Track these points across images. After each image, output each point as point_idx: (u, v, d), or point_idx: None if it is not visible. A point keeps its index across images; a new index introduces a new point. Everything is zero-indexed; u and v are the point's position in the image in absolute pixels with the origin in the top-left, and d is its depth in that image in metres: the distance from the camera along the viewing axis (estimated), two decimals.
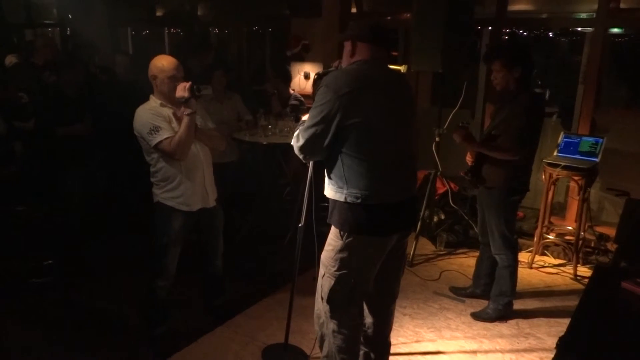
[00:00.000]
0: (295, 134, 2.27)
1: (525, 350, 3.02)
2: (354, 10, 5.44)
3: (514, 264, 3.24)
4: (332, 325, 2.34)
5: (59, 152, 4.00)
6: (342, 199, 2.18)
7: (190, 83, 2.68)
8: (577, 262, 3.96)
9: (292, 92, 5.07)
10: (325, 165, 2.26)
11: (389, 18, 5.58)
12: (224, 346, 3.01)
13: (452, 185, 4.68)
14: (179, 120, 2.75)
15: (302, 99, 4.86)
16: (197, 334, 3.10)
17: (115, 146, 4.12)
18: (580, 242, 3.98)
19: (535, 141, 3.14)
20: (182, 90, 2.67)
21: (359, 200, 2.15)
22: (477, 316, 3.35)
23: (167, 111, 2.78)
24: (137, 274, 3.34)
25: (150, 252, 2.96)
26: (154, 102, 2.80)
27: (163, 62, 2.76)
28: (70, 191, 4.09)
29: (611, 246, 4.05)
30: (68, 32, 7.45)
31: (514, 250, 3.25)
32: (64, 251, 3.93)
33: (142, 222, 3.41)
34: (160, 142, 2.68)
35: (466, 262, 4.19)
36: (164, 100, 2.79)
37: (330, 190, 2.25)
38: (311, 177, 2.58)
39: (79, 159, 4.09)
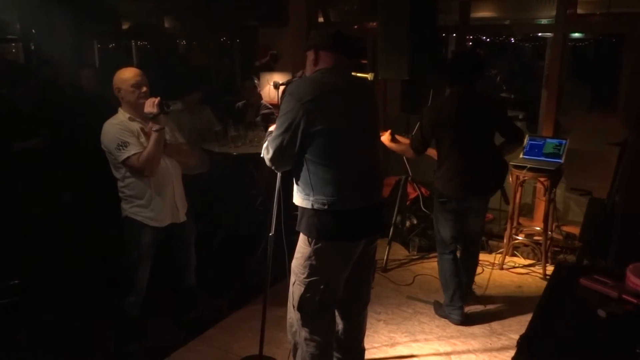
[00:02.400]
0: (265, 145, 2.29)
1: (497, 350, 3.07)
2: (321, 20, 5.49)
3: (444, 265, 3.34)
4: (304, 333, 2.35)
5: (17, 168, 3.91)
6: (309, 206, 2.20)
7: (158, 99, 2.64)
8: (546, 262, 4.04)
9: (262, 102, 5.09)
10: (292, 172, 2.28)
11: (355, 27, 5.65)
12: None
13: (423, 190, 4.75)
14: (147, 135, 2.72)
15: (272, 108, 4.88)
16: (170, 349, 3.06)
17: (82, 161, 4.05)
18: (548, 241, 4.07)
19: (444, 145, 3.19)
20: (150, 106, 2.63)
21: (325, 207, 2.16)
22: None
23: (136, 125, 2.75)
24: (107, 291, 3.28)
25: (119, 268, 2.91)
26: (122, 115, 2.76)
27: (125, 73, 2.74)
28: (31, 206, 4.01)
29: (577, 244, 4.16)
30: (32, 47, 7.31)
31: (448, 251, 3.32)
32: (30, 270, 3.84)
33: (111, 239, 3.35)
34: (128, 157, 2.64)
35: None
36: (133, 113, 2.76)
37: (298, 197, 2.27)
38: (279, 185, 2.59)
39: (39, 174, 4.00)
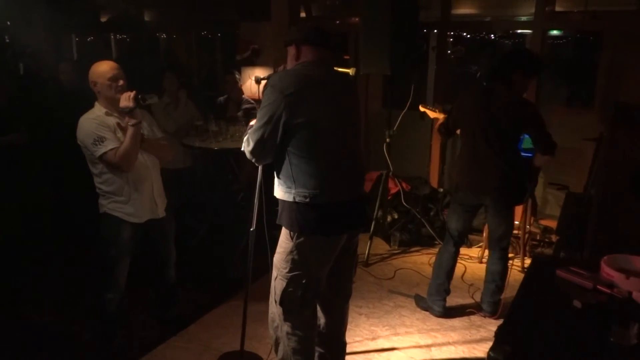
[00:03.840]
0: (245, 138, 2.27)
1: (477, 342, 3.12)
2: (303, 14, 5.48)
3: (442, 255, 3.38)
4: (286, 327, 2.35)
5: None
6: (290, 199, 2.19)
7: (134, 92, 2.60)
8: (524, 255, 4.11)
9: (243, 96, 5.06)
10: (274, 165, 2.27)
11: (337, 22, 5.65)
12: (178, 357, 2.96)
13: (404, 185, 4.78)
14: (124, 130, 2.68)
15: (254, 103, 4.86)
16: (150, 346, 3.03)
17: (60, 156, 3.99)
18: (527, 235, 4.13)
19: (463, 135, 3.25)
20: (126, 99, 2.58)
21: (307, 200, 2.16)
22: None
23: (112, 120, 2.70)
24: (85, 288, 3.25)
25: (98, 263, 2.88)
26: (98, 110, 2.72)
27: (101, 66, 2.69)
28: (9, 203, 3.93)
29: (554, 238, 4.23)
30: (7, 40, 7.16)
31: (451, 243, 3.34)
32: (7, 266, 3.77)
33: (88, 234, 3.31)
34: (105, 153, 2.60)
35: (420, 260, 4.29)
36: (109, 107, 2.71)
37: (279, 191, 2.26)
38: (261, 180, 2.58)
39: (16, 170, 3.92)
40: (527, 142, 4.14)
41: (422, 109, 3.94)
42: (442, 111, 3.80)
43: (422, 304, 3.49)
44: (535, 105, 3.08)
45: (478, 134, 3.09)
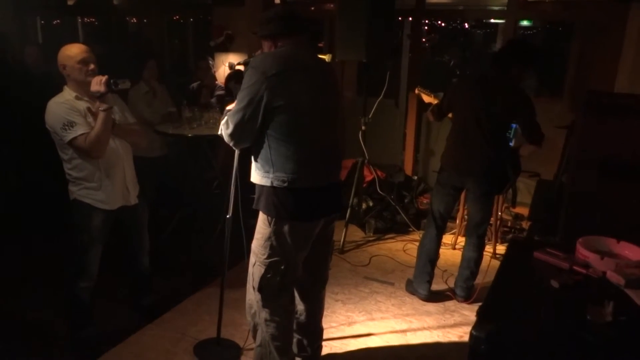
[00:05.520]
0: (224, 121, 2.23)
1: (451, 327, 3.17)
2: (277, 0, 5.41)
3: (424, 239, 3.42)
4: (264, 314, 2.33)
5: None
6: (268, 184, 2.17)
7: (106, 77, 2.52)
8: (496, 242, 4.18)
9: (217, 83, 4.99)
10: (251, 149, 2.23)
11: (312, 8, 5.61)
12: (154, 345, 2.92)
13: (379, 172, 4.80)
14: (94, 115, 2.59)
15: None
16: (125, 335, 2.98)
17: (27, 141, 3.86)
18: (498, 222, 4.20)
19: (455, 118, 3.27)
20: (97, 84, 2.50)
21: (285, 184, 2.14)
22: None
23: (83, 105, 2.62)
24: (56, 276, 3.16)
25: (69, 251, 2.80)
26: (68, 94, 2.62)
27: (71, 49, 2.60)
28: None
29: (525, 224, 4.33)
30: None
31: (434, 226, 3.37)
32: None
33: (59, 221, 3.22)
34: (75, 138, 2.52)
35: (394, 247, 4.32)
36: (79, 91, 2.62)
37: (256, 175, 2.23)
38: (237, 167, 2.54)
39: None
40: None
41: (417, 91, 3.99)
42: (436, 96, 3.82)
43: (409, 287, 3.54)
44: (529, 94, 3.11)
45: (470, 118, 3.12)
